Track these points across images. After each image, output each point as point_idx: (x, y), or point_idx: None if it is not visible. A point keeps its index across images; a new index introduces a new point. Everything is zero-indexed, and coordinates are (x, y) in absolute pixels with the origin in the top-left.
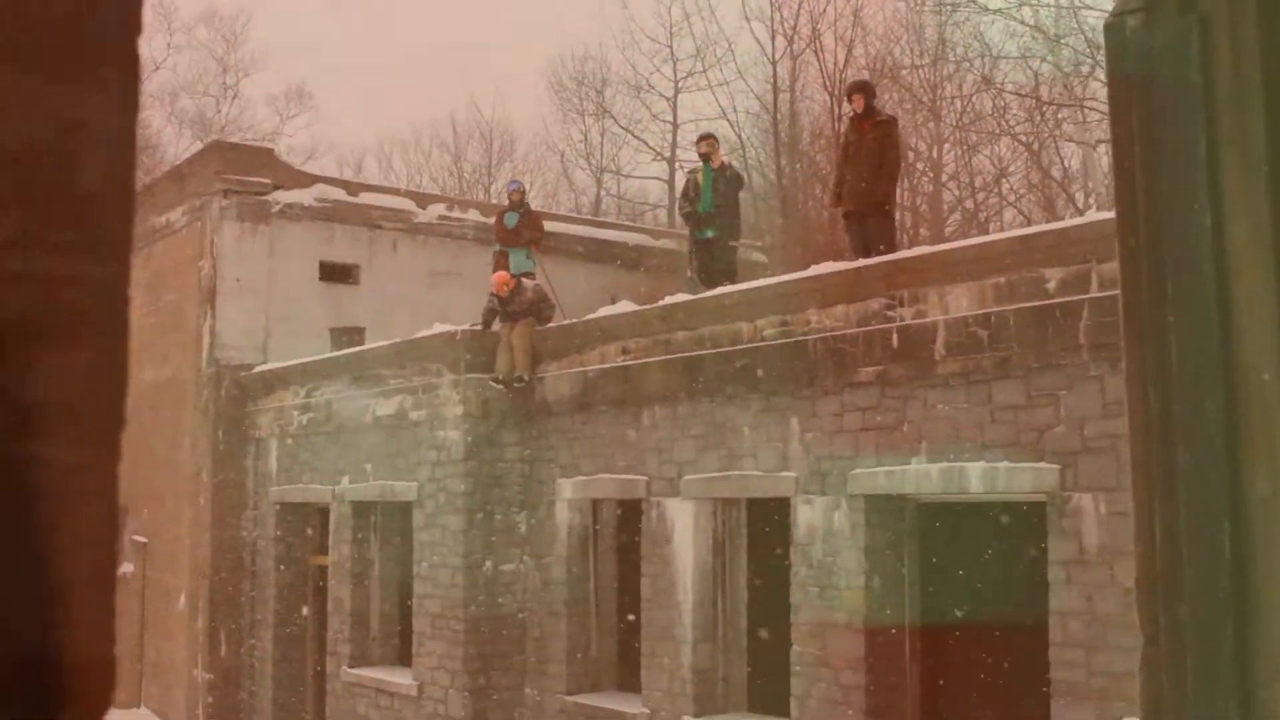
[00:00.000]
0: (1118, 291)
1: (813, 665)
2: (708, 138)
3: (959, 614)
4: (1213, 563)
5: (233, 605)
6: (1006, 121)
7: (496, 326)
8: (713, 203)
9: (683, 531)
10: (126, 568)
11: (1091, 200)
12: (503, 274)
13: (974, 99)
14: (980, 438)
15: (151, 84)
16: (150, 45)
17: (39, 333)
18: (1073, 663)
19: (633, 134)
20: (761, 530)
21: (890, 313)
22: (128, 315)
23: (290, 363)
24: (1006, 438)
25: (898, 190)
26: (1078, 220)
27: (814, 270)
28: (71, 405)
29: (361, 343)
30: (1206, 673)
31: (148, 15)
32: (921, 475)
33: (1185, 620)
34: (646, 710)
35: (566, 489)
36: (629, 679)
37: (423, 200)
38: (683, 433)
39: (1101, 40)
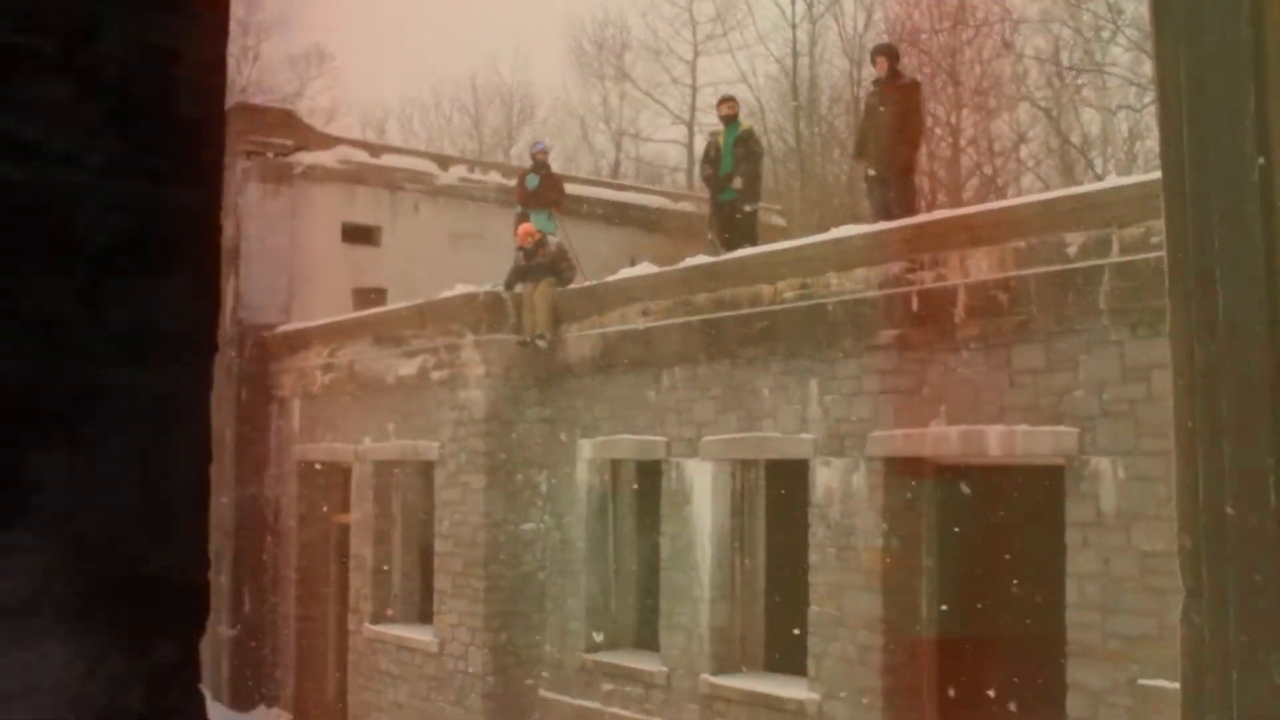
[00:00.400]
0: (1144, 255)
1: (830, 625)
2: (729, 100)
3: (976, 575)
4: (1257, 515)
5: (256, 562)
6: (1026, 86)
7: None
8: (733, 165)
9: (702, 492)
10: None
11: (1110, 166)
12: (528, 225)
13: (993, 64)
14: (999, 401)
15: None
16: None
17: (133, 258)
18: (1089, 625)
19: (652, 98)
20: (780, 491)
21: (910, 276)
22: (219, 241)
23: (313, 323)
24: (1025, 401)
25: (918, 155)
26: (1100, 185)
27: (834, 233)
28: (164, 331)
29: (383, 303)
30: (1250, 624)
31: None
32: (940, 438)
33: (1229, 573)
34: (665, 668)
35: (586, 449)
36: (648, 637)
37: (444, 162)
38: (702, 394)
39: (1121, 6)
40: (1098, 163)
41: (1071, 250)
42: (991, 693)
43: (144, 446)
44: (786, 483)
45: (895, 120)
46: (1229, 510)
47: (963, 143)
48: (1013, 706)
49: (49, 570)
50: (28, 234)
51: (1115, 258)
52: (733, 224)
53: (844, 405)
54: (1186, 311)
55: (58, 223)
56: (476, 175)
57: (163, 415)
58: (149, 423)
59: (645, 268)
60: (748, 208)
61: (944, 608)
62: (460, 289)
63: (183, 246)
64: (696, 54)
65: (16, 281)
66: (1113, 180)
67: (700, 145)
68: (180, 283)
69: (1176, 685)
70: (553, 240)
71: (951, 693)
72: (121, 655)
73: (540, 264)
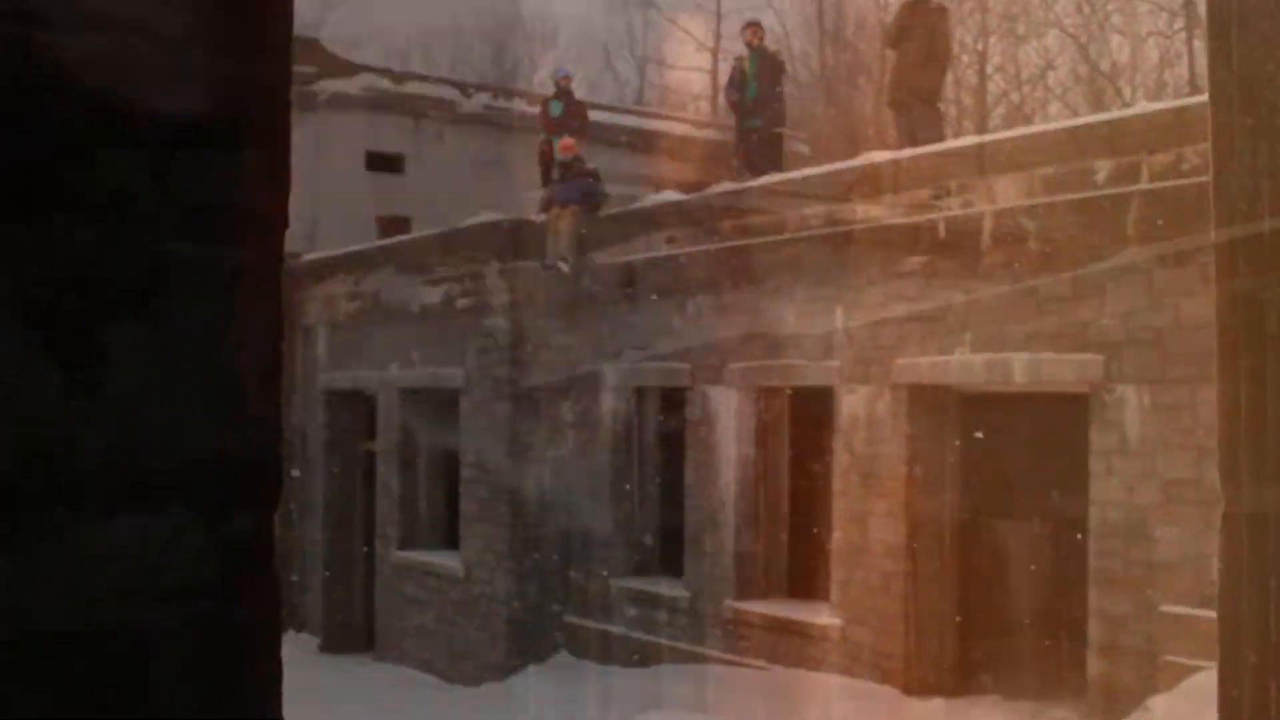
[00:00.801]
0: (1174, 182)
1: (853, 552)
2: (754, 25)
3: (999, 502)
4: None
5: (284, 490)
6: (1054, 13)
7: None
8: (757, 92)
9: (726, 419)
10: None
11: (1139, 94)
12: (568, 140)
13: None
14: (1025, 329)
15: None
16: None
17: (204, 131)
18: (1111, 552)
19: (676, 24)
20: (804, 418)
21: (937, 203)
22: (289, 117)
23: (338, 251)
24: (1051, 329)
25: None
26: (1131, 111)
27: (861, 160)
28: (235, 205)
29: (408, 232)
30: None
31: None
32: (965, 365)
33: (1270, 484)
34: (688, 594)
35: (611, 376)
36: (672, 563)
37: (467, 90)
38: (727, 321)
39: None
40: (1126, 91)
41: (1100, 177)
42: (1013, 619)
43: (215, 320)
44: (811, 410)
45: (922, 46)
46: (1271, 421)
47: (989, 69)
48: (1034, 633)
49: (122, 442)
50: (98, 105)
51: (1145, 184)
52: (758, 151)
53: (869, 333)
54: (1231, 225)
55: (128, 94)
56: (500, 103)
57: (233, 290)
58: (220, 297)
59: (670, 194)
60: (775, 130)
61: (966, 535)
62: (485, 216)
63: (253, 120)
64: None
65: (87, 153)
66: (1143, 106)
67: (725, 72)
68: (251, 157)
69: (1198, 611)
70: (589, 163)
71: (973, 619)
72: (197, 528)
73: (572, 184)
